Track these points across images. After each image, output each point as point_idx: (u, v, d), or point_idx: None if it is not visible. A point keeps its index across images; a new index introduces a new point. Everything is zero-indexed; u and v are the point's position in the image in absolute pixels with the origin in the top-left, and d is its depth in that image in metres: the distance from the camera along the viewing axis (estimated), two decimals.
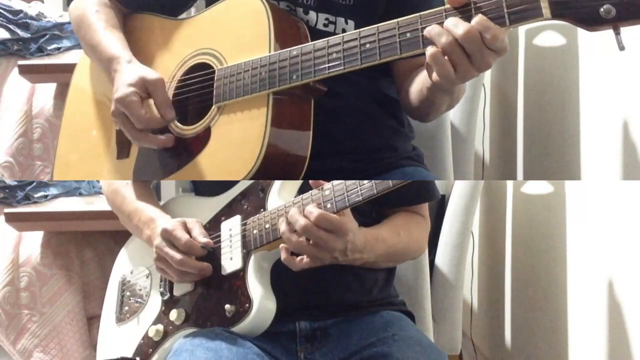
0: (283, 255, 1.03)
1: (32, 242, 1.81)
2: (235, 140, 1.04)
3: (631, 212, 1.38)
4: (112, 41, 1.17)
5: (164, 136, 1.11)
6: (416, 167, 1.25)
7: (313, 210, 1.00)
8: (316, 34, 1.09)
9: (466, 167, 1.95)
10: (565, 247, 1.67)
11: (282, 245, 1.04)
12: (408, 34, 0.90)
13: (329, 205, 1.01)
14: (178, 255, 1.11)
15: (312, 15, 1.15)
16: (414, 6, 0.96)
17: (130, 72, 1.11)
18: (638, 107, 1.42)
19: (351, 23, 1.15)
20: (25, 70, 1.86)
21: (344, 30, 1.15)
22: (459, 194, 1.77)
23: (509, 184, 2.09)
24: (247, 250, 1.11)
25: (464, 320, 1.90)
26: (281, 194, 1.12)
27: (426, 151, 1.44)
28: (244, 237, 1.12)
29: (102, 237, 1.88)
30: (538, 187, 1.88)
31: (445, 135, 1.83)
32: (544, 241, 1.83)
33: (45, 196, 1.91)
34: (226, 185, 1.21)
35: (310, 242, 1.01)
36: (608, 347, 1.47)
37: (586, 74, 1.66)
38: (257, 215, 1.12)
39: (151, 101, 1.09)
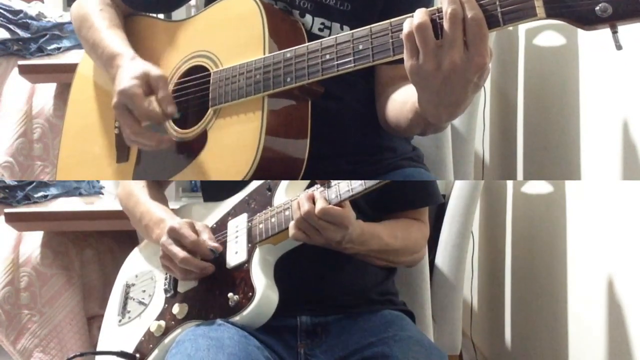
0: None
1: (32, 242, 1.82)
2: (232, 143, 1.04)
3: (631, 212, 1.38)
4: (115, 39, 1.17)
5: (162, 136, 1.10)
6: (416, 168, 1.25)
7: (318, 203, 1.01)
8: (311, 38, 1.08)
9: (466, 167, 1.95)
10: (565, 247, 1.66)
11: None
12: (401, 35, 0.89)
13: (333, 196, 1.02)
14: (182, 253, 1.11)
15: (308, 18, 1.15)
16: (410, 12, 0.95)
17: (134, 67, 1.11)
18: (638, 107, 1.41)
19: (347, 29, 1.14)
20: (25, 70, 1.86)
21: None
22: (459, 194, 1.76)
23: (509, 184, 2.09)
24: (252, 244, 1.11)
25: (464, 320, 1.89)
26: (288, 192, 1.13)
27: (426, 151, 1.44)
28: (249, 231, 1.12)
29: (102, 237, 1.88)
30: (538, 187, 1.88)
31: (445, 135, 1.82)
32: (544, 241, 1.82)
33: (45, 196, 1.92)
34: (233, 190, 1.22)
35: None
36: (608, 347, 1.46)
37: (586, 74, 1.65)
38: (264, 211, 1.12)
39: (153, 97, 1.08)
